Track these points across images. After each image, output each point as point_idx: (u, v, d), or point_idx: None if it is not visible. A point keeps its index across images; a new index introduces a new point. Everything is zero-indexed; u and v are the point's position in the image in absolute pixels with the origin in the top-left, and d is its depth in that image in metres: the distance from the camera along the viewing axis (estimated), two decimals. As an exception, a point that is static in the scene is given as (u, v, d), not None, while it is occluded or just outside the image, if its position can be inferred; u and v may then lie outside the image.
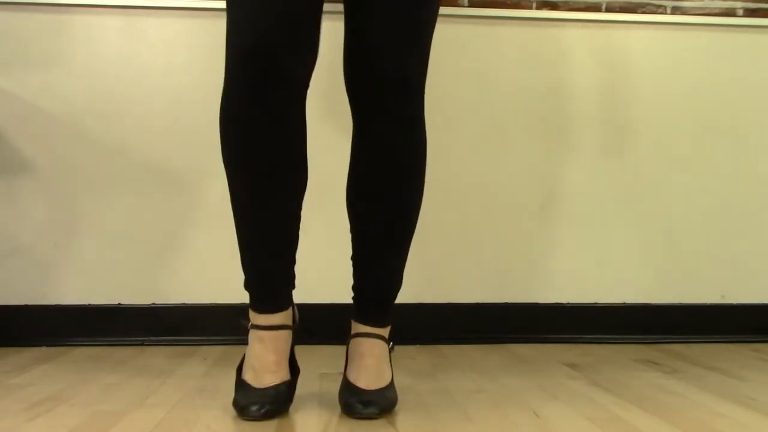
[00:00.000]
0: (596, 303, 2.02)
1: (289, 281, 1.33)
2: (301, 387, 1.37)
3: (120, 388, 1.44)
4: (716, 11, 2.02)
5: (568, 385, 1.50)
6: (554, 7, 1.97)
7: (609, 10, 1.99)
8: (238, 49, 1.18)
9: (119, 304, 1.90)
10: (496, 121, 1.98)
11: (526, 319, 1.98)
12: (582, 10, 1.98)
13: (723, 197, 2.05)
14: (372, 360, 1.31)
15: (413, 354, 1.79)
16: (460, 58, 1.96)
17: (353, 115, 1.29)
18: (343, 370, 1.34)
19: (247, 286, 1.32)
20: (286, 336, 1.31)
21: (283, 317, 1.31)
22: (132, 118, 1.89)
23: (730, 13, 2.02)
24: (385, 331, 1.35)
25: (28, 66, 1.87)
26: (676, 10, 2.00)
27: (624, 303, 2.02)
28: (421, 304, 1.95)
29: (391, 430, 1.19)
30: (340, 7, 1.28)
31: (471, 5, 1.95)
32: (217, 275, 1.90)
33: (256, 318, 1.30)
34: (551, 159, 2.00)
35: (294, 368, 1.33)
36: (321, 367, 1.61)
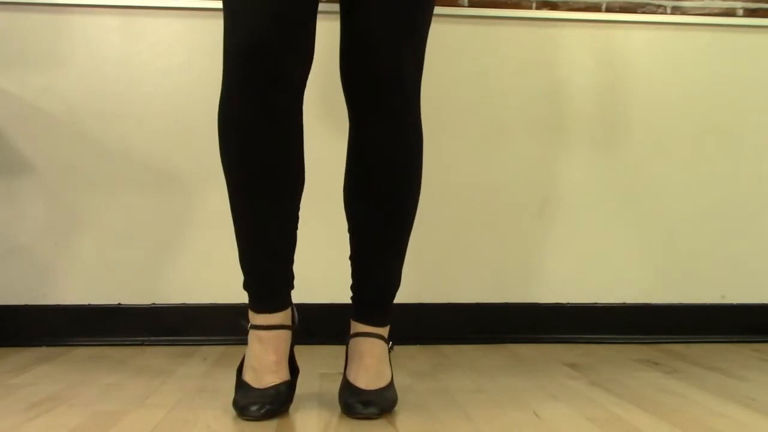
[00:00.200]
0: (596, 303, 2.02)
1: (288, 281, 1.33)
2: (301, 387, 1.37)
3: (120, 388, 1.44)
4: (716, 11, 2.02)
5: (568, 385, 1.50)
6: (554, 7, 1.97)
7: (609, 10, 1.99)
8: (236, 51, 1.18)
9: (119, 304, 1.90)
10: (496, 121, 1.98)
11: (526, 319, 1.98)
12: (582, 10, 1.98)
13: (723, 197, 2.05)
14: (372, 360, 1.31)
15: (413, 354, 1.79)
16: (459, 58, 1.97)
17: (349, 114, 1.29)
18: (342, 370, 1.34)
19: (246, 286, 1.32)
20: (285, 336, 1.31)
21: (282, 317, 1.31)
22: (132, 119, 1.89)
23: (730, 13, 2.02)
24: (384, 331, 1.35)
25: (28, 66, 1.87)
26: (676, 10, 2.00)
27: (624, 303, 2.02)
28: (421, 304, 1.95)
29: (391, 430, 1.19)
30: (336, 7, 1.28)
31: (471, 5, 1.95)
32: (217, 275, 1.90)
33: (255, 318, 1.30)
34: (551, 159, 2.00)
35: (294, 368, 1.33)
36: (321, 367, 1.61)
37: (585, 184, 2.01)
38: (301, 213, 1.32)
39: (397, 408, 1.30)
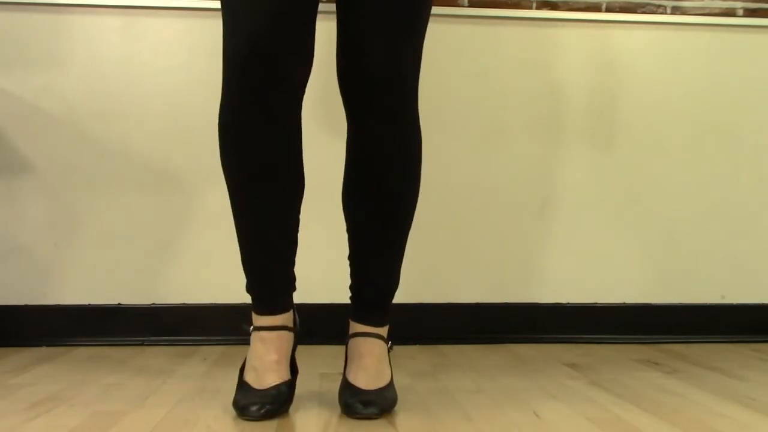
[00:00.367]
0: (596, 303, 2.02)
1: (290, 283, 1.34)
2: (301, 387, 1.37)
3: (120, 388, 1.44)
4: (716, 11, 2.02)
5: (568, 385, 1.50)
6: (554, 7, 1.97)
7: (609, 10, 1.99)
8: (236, 51, 1.18)
9: (119, 304, 1.90)
10: (496, 121, 1.98)
11: (526, 319, 1.98)
12: (582, 10, 1.98)
13: (723, 197, 2.05)
14: (371, 360, 1.31)
15: (413, 354, 1.79)
16: (459, 58, 1.96)
17: (347, 115, 1.29)
18: (342, 371, 1.34)
19: (249, 288, 1.32)
20: (287, 337, 1.31)
21: (284, 318, 1.31)
22: (132, 119, 1.89)
23: (730, 13, 2.02)
24: (383, 331, 1.35)
25: (28, 66, 1.87)
26: (676, 10, 2.00)
27: (624, 303, 2.02)
28: (421, 304, 1.95)
29: (391, 430, 1.19)
30: (334, 7, 1.28)
31: (471, 5, 1.95)
32: (217, 275, 1.90)
33: (257, 320, 1.31)
34: (551, 159, 2.00)
35: (294, 369, 1.33)
36: (321, 367, 1.61)
37: (585, 184, 2.01)
38: (300, 213, 1.32)
39: (397, 408, 1.30)
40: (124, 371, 1.59)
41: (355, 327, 1.35)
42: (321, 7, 1.26)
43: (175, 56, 1.90)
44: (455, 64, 1.96)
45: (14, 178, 1.87)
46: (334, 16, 1.28)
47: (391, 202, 1.30)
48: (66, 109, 1.88)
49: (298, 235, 1.33)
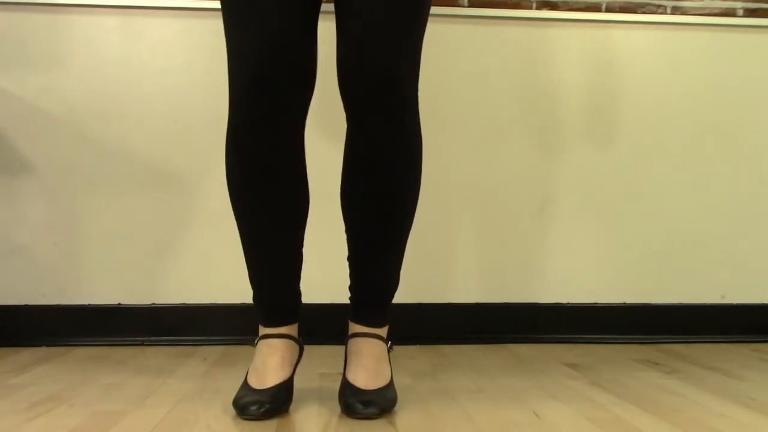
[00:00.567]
0: (596, 303, 2.02)
1: (296, 297, 1.36)
2: (301, 387, 1.37)
3: (120, 388, 1.44)
4: (716, 11, 2.02)
5: (568, 385, 1.50)
6: (554, 7, 1.97)
7: (609, 10, 1.99)
8: (239, 80, 1.21)
9: (119, 304, 1.90)
10: (496, 121, 1.98)
11: (526, 319, 1.98)
12: (582, 10, 1.98)
13: (723, 197, 2.05)
14: (371, 360, 1.31)
15: (413, 354, 1.79)
16: (459, 58, 1.96)
17: (346, 115, 1.29)
18: (342, 371, 1.34)
19: (256, 301, 1.35)
20: (292, 345, 1.33)
21: (290, 329, 1.33)
22: (132, 119, 1.89)
23: (730, 13, 2.02)
24: (383, 331, 1.35)
25: (28, 66, 1.87)
26: (676, 10, 2.00)
27: (624, 303, 2.02)
28: (421, 304, 1.95)
29: (391, 430, 1.19)
30: (333, 6, 1.28)
31: (471, 5, 1.95)
32: (217, 275, 1.90)
33: (263, 330, 1.33)
34: (551, 159, 2.00)
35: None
36: (321, 367, 1.61)
37: (585, 184, 2.01)
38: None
39: (397, 408, 1.30)
40: (124, 371, 1.59)
41: (355, 327, 1.35)
42: (321, 7, 1.26)
43: (175, 56, 1.90)
44: (455, 64, 1.96)
45: (14, 178, 1.87)
46: (334, 16, 1.28)
47: (391, 202, 1.30)
48: (66, 109, 1.88)
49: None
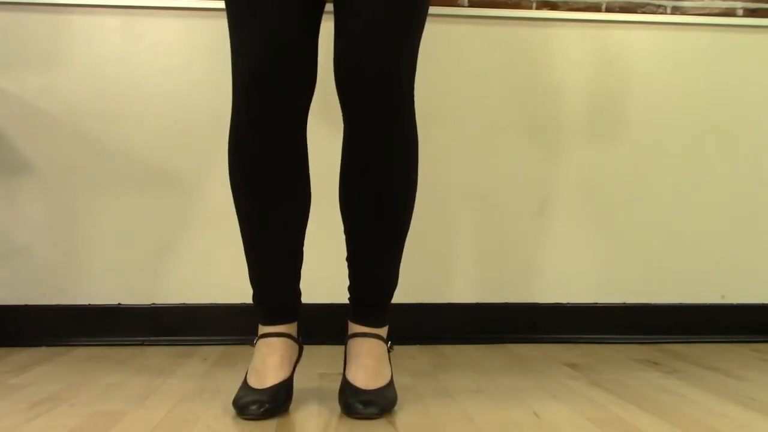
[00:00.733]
0: (596, 303, 2.02)
1: (295, 297, 1.36)
2: (301, 387, 1.37)
3: (120, 388, 1.44)
4: (716, 11, 2.02)
5: (568, 385, 1.50)
6: (554, 7, 1.97)
7: (609, 10, 1.99)
8: (240, 79, 1.22)
9: (119, 304, 1.90)
10: (495, 121, 1.98)
11: (526, 319, 1.98)
12: (582, 10, 1.98)
13: (723, 197, 2.05)
14: (371, 360, 1.31)
15: (413, 354, 1.79)
16: (459, 58, 1.96)
17: (343, 115, 1.29)
18: (342, 371, 1.34)
19: (256, 301, 1.34)
20: (291, 344, 1.33)
21: (289, 328, 1.33)
22: (132, 119, 1.89)
23: (730, 13, 2.02)
24: (382, 331, 1.35)
25: (28, 66, 1.87)
26: (676, 10, 2.00)
27: (624, 303, 2.02)
28: (421, 304, 1.95)
29: (391, 430, 1.19)
30: (332, 7, 1.28)
31: (471, 5, 1.95)
32: (217, 275, 1.90)
33: (263, 329, 1.33)
34: (551, 159, 2.00)
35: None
36: (320, 367, 1.61)
37: (585, 184, 2.01)
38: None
39: (397, 408, 1.30)
40: (124, 371, 1.59)
41: (354, 328, 1.35)
42: (324, 7, 1.26)
43: (175, 56, 1.90)
44: (455, 64, 1.96)
45: (14, 178, 1.87)
46: (332, 17, 1.28)
47: (389, 202, 1.30)
48: (66, 109, 1.88)
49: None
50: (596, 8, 1.98)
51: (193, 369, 1.61)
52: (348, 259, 1.36)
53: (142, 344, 1.88)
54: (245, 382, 1.30)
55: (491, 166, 1.98)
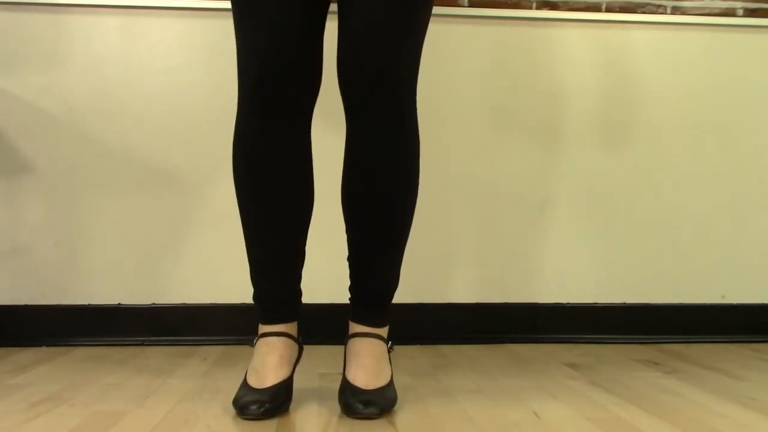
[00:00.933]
0: (596, 303, 2.02)
1: (296, 296, 1.36)
2: (301, 387, 1.37)
3: (120, 388, 1.44)
4: (716, 11, 2.02)
5: (568, 385, 1.50)
6: (554, 7, 1.97)
7: (609, 10, 1.99)
8: (245, 79, 1.23)
9: (119, 304, 1.90)
10: (496, 121, 1.98)
11: (526, 319, 1.98)
12: (582, 10, 1.98)
13: (723, 197, 2.05)
14: (371, 360, 1.31)
15: (413, 354, 1.79)
16: (460, 58, 1.96)
17: (346, 115, 1.30)
18: (342, 371, 1.34)
19: (256, 300, 1.34)
20: (291, 344, 1.33)
21: (289, 327, 1.33)
22: (132, 118, 1.89)
23: (730, 13, 2.02)
24: (383, 331, 1.35)
25: (28, 66, 1.87)
26: (676, 10, 2.00)
27: (624, 303, 2.02)
28: (421, 304, 1.95)
29: (391, 430, 1.19)
30: (335, 7, 1.28)
31: (471, 5, 1.95)
32: (217, 275, 1.90)
33: (263, 328, 1.33)
34: (551, 159, 2.00)
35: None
36: (321, 367, 1.61)
37: (585, 184, 2.01)
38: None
39: (397, 408, 1.30)
40: (124, 371, 1.59)
41: (355, 327, 1.35)
42: (328, 8, 1.27)
43: (175, 56, 1.90)
44: (455, 64, 1.96)
45: (14, 178, 1.87)
46: (335, 17, 1.28)
47: (391, 202, 1.30)
48: (66, 109, 1.88)
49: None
50: (596, 8, 1.98)
51: (193, 369, 1.61)
52: (349, 258, 1.36)
53: (142, 344, 1.88)
54: (245, 381, 1.30)
55: (491, 166, 1.98)
